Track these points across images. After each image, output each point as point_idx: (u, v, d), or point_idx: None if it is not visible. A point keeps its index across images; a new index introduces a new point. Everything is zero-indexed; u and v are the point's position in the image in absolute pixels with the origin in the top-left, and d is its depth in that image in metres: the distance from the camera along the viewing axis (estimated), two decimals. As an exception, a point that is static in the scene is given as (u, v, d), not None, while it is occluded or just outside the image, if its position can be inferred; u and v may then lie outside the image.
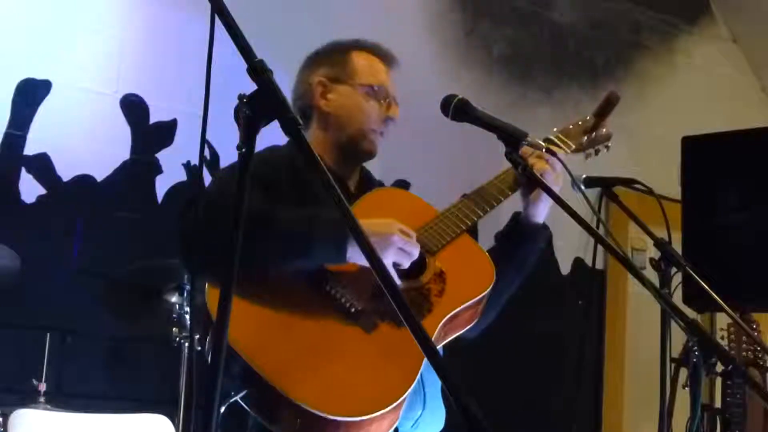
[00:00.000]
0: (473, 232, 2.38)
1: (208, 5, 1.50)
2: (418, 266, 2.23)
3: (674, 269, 2.51)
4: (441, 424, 2.31)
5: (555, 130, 2.52)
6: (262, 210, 2.13)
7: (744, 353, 3.64)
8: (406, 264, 2.17)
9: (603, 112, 2.55)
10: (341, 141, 2.42)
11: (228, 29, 1.46)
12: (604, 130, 2.57)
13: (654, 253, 2.53)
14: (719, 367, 1.99)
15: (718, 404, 3.82)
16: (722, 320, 4.32)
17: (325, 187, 1.40)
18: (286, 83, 1.48)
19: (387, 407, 2.01)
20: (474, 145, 3.20)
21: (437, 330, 2.17)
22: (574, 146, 2.50)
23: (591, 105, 2.58)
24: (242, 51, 1.44)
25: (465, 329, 2.27)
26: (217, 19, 1.50)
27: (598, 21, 5.56)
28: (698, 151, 3.98)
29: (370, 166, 2.52)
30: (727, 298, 2.31)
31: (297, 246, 2.11)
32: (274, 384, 1.99)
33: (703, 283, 2.31)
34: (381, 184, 2.56)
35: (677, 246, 2.67)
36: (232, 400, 2.02)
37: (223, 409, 2.72)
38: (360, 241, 1.39)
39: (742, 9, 6.03)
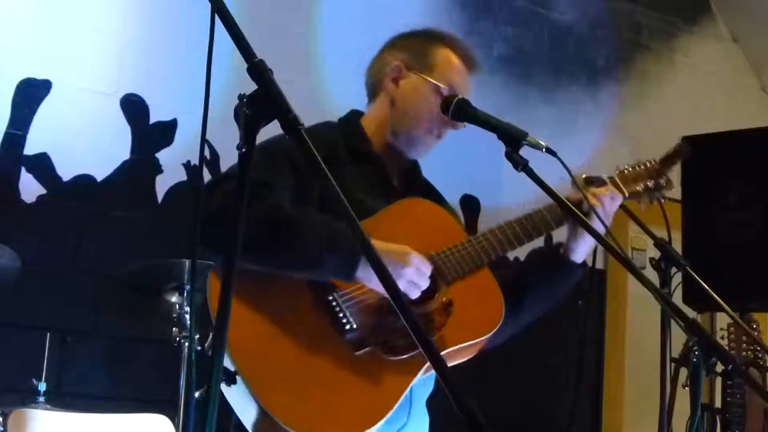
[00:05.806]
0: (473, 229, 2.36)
1: (208, 5, 1.50)
2: (428, 290, 2.20)
3: (674, 269, 2.51)
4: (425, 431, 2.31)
5: (617, 169, 2.45)
6: (280, 211, 2.13)
7: (744, 353, 3.64)
8: (413, 296, 2.15)
9: (670, 161, 2.50)
10: (399, 129, 2.38)
11: (228, 29, 1.46)
12: (665, 180, 2.50)
13: (654, 253, 2.52)
14: (719, 367, 1.98)
15: (718, 404, 3.82)
16: (722, 320, 4.32)
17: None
18: (285, 84, 1.47)
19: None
20: (474, 145, 3.19)
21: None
22: (627, 193, 2.42)
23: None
24: (242, 50, 1.44)
25: (457, 362, 2.24)
26: (217, 18, 1.50)
27: (598, 21, 5.56)
28: (698, 151, 3.96)
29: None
30: (727, 298, 2.31)
31: (310, 256, 2.10)
32: (259, 399, 2.02)
33: (703, 283, 2.31)
34: (426, 184, 2.52)
35: (677, 246, 2.67)
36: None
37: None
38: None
39: (742, 9, 6.02)
